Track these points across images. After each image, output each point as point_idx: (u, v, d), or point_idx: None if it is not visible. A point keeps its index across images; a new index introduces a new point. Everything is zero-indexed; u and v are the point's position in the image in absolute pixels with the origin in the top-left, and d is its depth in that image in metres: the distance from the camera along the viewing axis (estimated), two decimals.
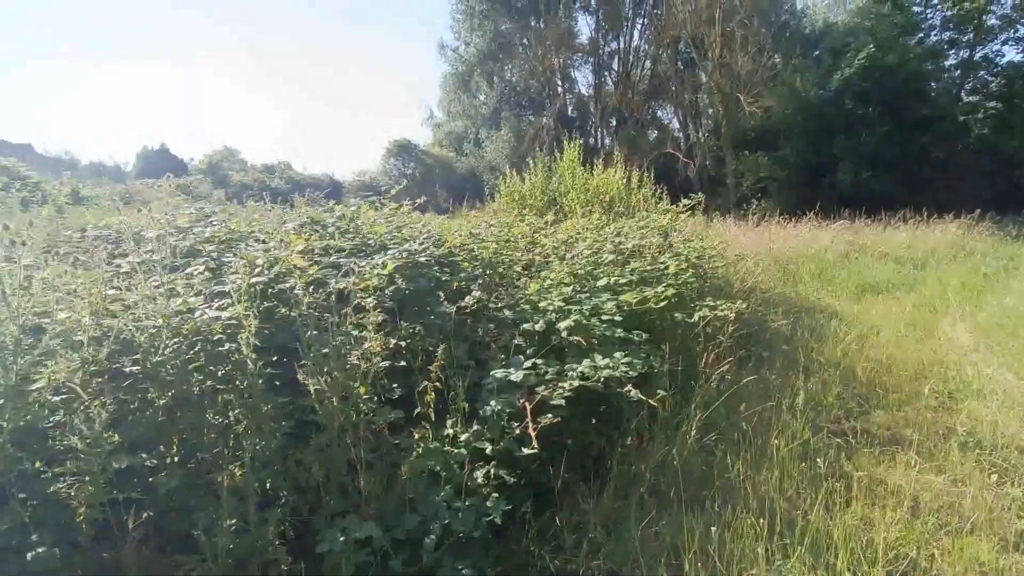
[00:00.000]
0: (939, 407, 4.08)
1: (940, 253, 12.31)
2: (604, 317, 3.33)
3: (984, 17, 24.34)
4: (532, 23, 33.72)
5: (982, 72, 25.49)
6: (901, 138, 20.56)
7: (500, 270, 4.39)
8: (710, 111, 24.75)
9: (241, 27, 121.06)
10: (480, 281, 3.89)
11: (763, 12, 26.69)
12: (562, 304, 3.38)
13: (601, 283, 3.92)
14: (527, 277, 4.14)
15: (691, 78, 27.48)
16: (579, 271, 4.29)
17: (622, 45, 34.07)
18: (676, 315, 4.15)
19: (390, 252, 3.20)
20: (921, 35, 25.14)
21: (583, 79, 37.66)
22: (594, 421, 3.23)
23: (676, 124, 30.40)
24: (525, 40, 34.41)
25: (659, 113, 34.70)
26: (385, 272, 3.03)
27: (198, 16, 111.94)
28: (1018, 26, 24.65)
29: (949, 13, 24.80)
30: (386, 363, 2.82)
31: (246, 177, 45.96)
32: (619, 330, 3.30)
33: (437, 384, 2.58)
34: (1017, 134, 23.40)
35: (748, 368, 4.83)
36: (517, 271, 4.53)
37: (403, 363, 3.01)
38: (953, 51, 25.52)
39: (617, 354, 2.81)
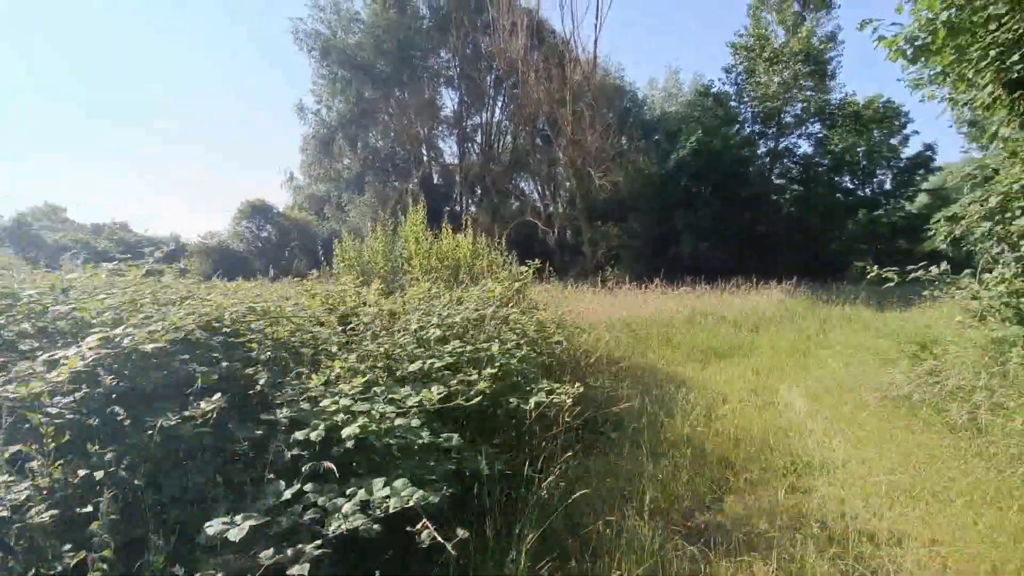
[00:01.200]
0: (789, 488, 3.86)
1: (768, 316, 13.41)
2: (400, 421, 2.61)
3: (781, 115, 28.93)
4: (396, 92, 34.02)
5: (785, 160, 30.03)
6: (730, 213, 23.10)
7: (304, 351, 3.53)
8: (567, 184, 26.19)
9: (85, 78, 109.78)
10: (267, 368, 3.02)
11: (608, 98, 29.48)
12: (352, 402, 2.61)
13: (414, 367, 3.23)
14: (324, 362, 3.31)
15: (549, 153, 29.07)
16: (396, 352, 3.58)
17: (484, 119, 35.50)
18: (510, 401, 3.57)
19: (90, 337, 2.24)
20: (738, 126, 29.17)
21: (448, 149, 38.41)
22: None
23: (536, 195, 31.75)
24: (389, 108, 34.54)
25: (522, 184, 36.19)
26: (68, 370, 2.07)
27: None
28: (807, 125, 29.60)
29: (756, 109, 29.17)
30: (54, 513, 1.86)
31: (64, 237, 40.05)
32: (425, 433, 2.60)
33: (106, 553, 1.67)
34: (816, 212, 27.53)
35: (596, 454, 4.36)
36: (329, 351, 3.69)
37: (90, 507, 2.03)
38: (763, 141, 29.84)
39: (398, 483, 2.07)
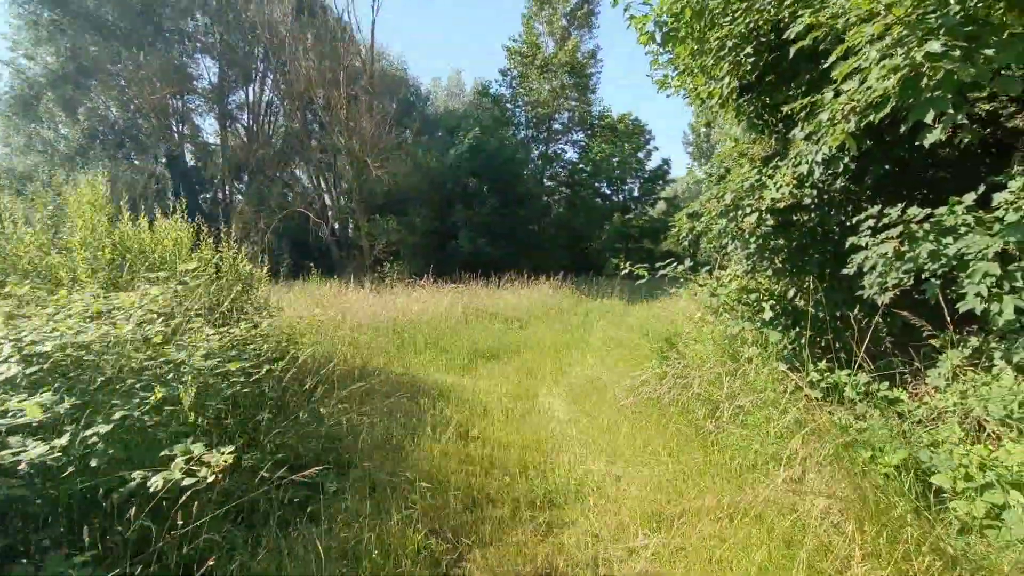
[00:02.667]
0: (544, 528, 3.23)
1: (537, 311, 13.69)
2: None
3: (551, 122, 31.00)
4: (136, 52, 27.72)
5: (555, 164, 32.29)
6: (506, 211, 23.70)
7: None
8: (348, 171, 24.21)
9: None
10: None
11: (389, 87, 28.14)
12: None
13: None
14: None
15: (327, 139, 26.65)
16: None
17: (252, 97, 31.20)
18: (131, 478, 2.26)
19: None
20: (514, 129, 30.41)
21: (208, 127, 33.04)
22: None
23: (311, 185, 28.93)
24: (125, 70, 28.00)
25: (297, 172, 32.76)
26: None
27: None
28: (572, 132, 32.26)
29: (530, 115, 30.77)
30: None
31: None
32: None
33: None
34: (581, 214, 30.08)
35: (298, 524, 3.20)
36: None
37: None
38: (535, 144, 31.62)
39: None
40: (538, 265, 20.93)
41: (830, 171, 4.09)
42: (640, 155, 33.76)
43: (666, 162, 34.02)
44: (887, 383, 3.62)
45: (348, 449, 4.06)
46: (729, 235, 4.74)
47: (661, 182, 34.39)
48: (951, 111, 2.83)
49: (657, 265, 5.04)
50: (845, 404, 3.53)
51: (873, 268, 3.57)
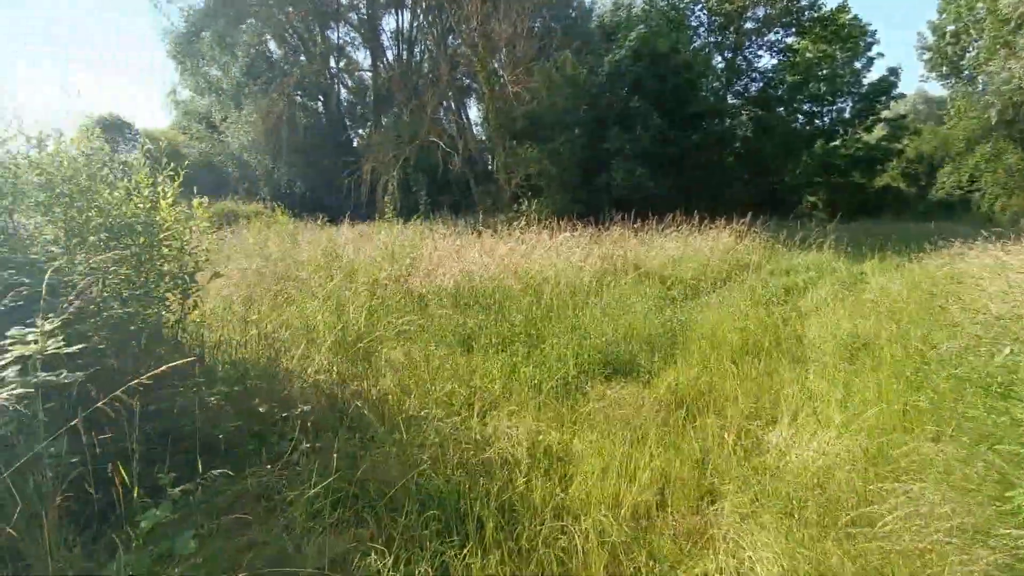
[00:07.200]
0: None
1: (711, 269, 9.39)
2: None
3: (741, 21, 24.27)
4: None
5: (744, 77, 25.65)
6: (674, 135, 18.76)
7: None
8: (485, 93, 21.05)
9: None
10: None
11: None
12: None
13: None
14: None
15: (465, 58, 23.59)
16: None
17: (400, 24, 29.10)
18: None
19: None
20: (691, 33, 24.39)
21: (361, 58, 32.09)
22: None
23: (443, 109, 26.11)
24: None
25: (438, 100, 30.48)
26: None
27: None
28: (768, 33, 25.09)
29: (713, 16, 24.37)
30: None
31: None
32: None
33: None
34: (774, 139, 23.57)
35: None
36: None
37: None
38: (719, 52, 25.27)
39: None
40: (712, 204, 16.00)
41: None
42: (857, 64, 25.56)
43: (893, 72, 25.34)
44: None
45: None
46: None
47: (884, 99, 25.84)
48: None
49: None
50: None
51: None
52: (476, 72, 18.62)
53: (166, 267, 3.14)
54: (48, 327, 1.87)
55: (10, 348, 1.82)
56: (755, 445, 3.40)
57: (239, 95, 28.00)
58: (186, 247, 3.25)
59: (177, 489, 1.91)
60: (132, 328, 2.80)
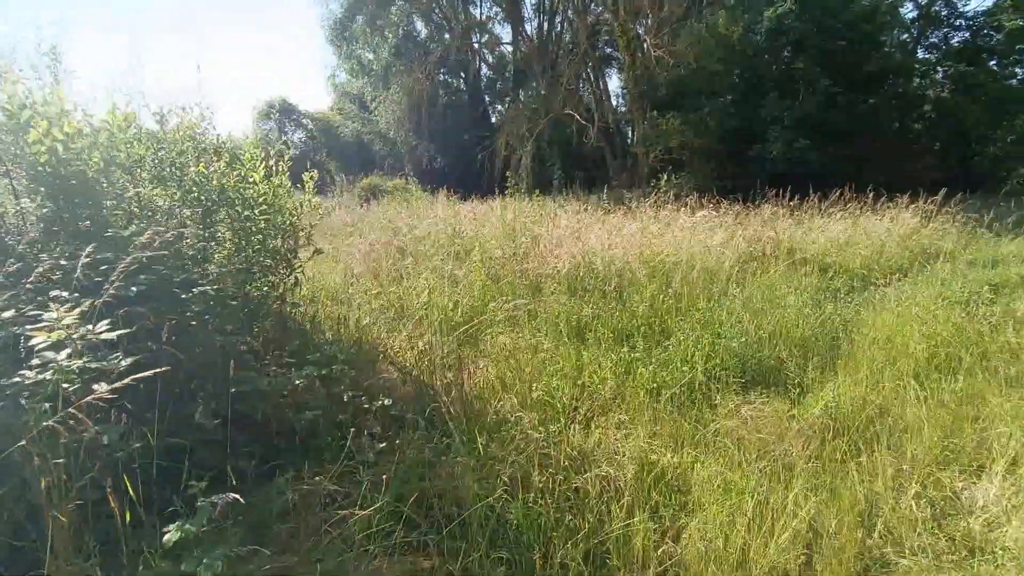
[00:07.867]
0: None
1: (889, 259, 7.86)
2: None
3: None
4: None
5: (942, 26, 21.42)
6: (846, 98, 16.17)
7: None
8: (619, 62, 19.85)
9: None
10: None
11: None
12: None
13: None
14: None
15: (599, 22, 22.45)
16: None
17: None
18: None
19: None
20: None
21: (502, 33, 32.17)
22: None
23: (581, 81, 25.02)
24: None
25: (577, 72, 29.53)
26: None
27: None
28: None
29: None
30: None
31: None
32: None
33: None
34: (978, 101, 19.44)
35: None
36: None
37: None
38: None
39: None
40: (891, 180, 13.52)
41: None
42: None
43: None
44: None
45: None
46: None
47: None
48: None
49: None
50: None
51: None
52: (617, 37, 17.52)
53: (271, 243, 3.05)
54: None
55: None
56: (949, 503, 2.56)
57: (387, 75, 29.32)
58: (290, 222, 3.15)
59: (217, 498, 1.71)
60: (234, 303, 2.72)
